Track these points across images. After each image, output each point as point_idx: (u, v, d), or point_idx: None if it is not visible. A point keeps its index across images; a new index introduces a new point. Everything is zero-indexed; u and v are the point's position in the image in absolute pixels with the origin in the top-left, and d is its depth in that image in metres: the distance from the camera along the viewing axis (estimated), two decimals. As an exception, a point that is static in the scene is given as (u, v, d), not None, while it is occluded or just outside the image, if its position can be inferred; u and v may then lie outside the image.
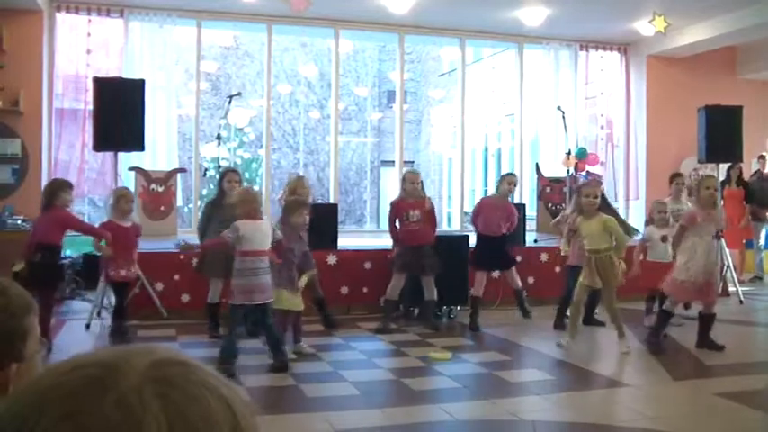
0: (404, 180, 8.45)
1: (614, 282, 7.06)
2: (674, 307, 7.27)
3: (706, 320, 7.18)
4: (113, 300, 7.69)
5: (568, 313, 7.59)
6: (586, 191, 7.19)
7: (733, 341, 7.39)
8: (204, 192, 17.31)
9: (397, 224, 8.29)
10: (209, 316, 7.66)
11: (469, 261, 8.60)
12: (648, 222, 8.42)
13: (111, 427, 0.65)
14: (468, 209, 14.06)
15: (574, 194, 8.12)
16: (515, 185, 8.69)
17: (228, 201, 7.05)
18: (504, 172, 9.81)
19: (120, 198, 7.50)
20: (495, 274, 8.65)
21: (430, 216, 8.31)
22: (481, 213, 8.54)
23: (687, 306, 8.24)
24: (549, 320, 8.34)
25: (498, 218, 8.41)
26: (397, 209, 8.30)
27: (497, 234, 8.39)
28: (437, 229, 8.55)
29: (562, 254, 8.64)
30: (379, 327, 8.01)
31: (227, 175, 7.96)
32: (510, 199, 8.69)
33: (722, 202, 11.15)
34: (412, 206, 8.20)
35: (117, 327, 7.35)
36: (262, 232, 6.22)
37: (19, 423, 0.68)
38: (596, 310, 8.26)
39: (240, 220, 6.18)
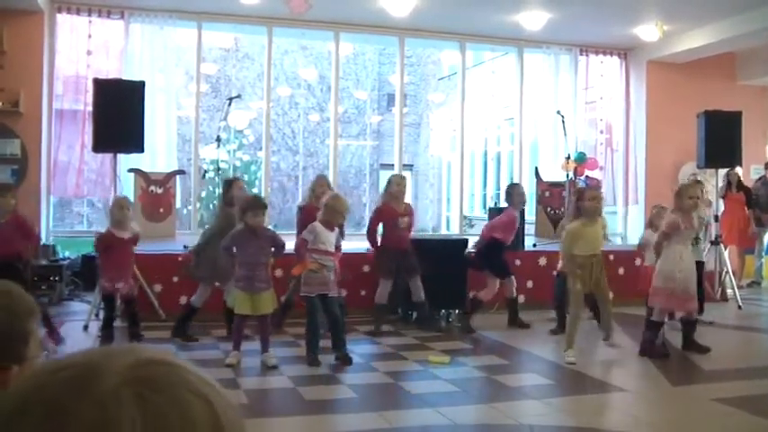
0: (389, 183, 8.46)
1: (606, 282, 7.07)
2: (663, 317, 7.24)
3: (690, 325, 7.22)
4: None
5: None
6: (591, 194, 7.10)
7: (731, 346, 7.40)
8: (203, 194, 17.32)
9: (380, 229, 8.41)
10: (182, 317, 7.62)
11: (479, 266, 8.58)
12: (647, 226, 8.42)
13: (88, 428, 0.67)
14: (467, 212, 14.06)
15: (571, 199, 8.13)
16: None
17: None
18: (503, 176, 9.86)
19: (113, 206, 7.49)
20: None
21: (412, 221, 8.49)
22: (514, 225, 8.58)
23: (672, 316, 8.24)
24: (548, 324, 8.35)
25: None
26: (385, 215, 8.36)
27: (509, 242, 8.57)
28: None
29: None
30: (373, 330, 8.05)
31: (236, 182, 7.96)
32: None
33: (723, 208, 11.19)
34: (401, 213, 8.30)
35: (108, 334, 7.28)
36: (332, 237, 6.71)
37: (4, 423, 0.70)
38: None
39: (318, 224, 6.68)
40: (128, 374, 0.70)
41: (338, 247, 6.90)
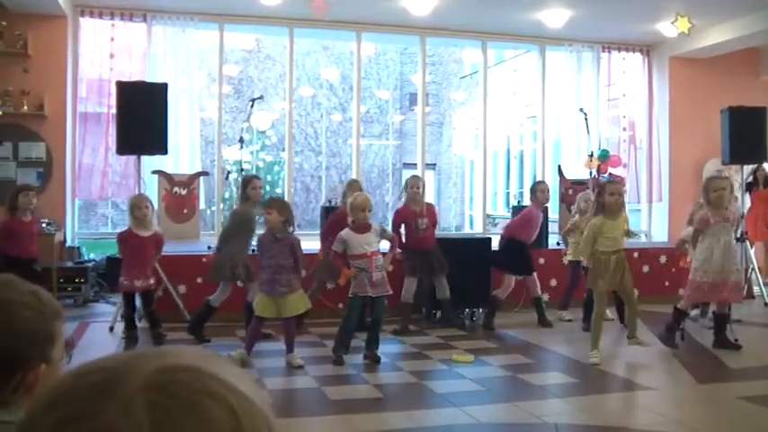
0: (406, 185, 8.54)
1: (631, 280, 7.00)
2: (688, 307, 7.25)
3: (720, 320, 7.18)
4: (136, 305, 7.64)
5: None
6: (611, 188, 6.92)
7: (758, 344, 7.33)
8: (227, 195, 17.39)
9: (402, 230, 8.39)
10: (199, 316, 7.66)
11: (498, 264, 8.61)
12: (689, 223, 8.35)
13: None
14: (491, 211, 13.99)
15: (590, 195, 8.12)
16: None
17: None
18: (526, 174, 9.85)
19: (133, 207, 7.49)
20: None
21: (434, 221, 8.50)
22: (532, 222, 8.58)
23: (704, 313, 8.21)
24: (572, 323, 8.33)
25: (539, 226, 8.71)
26: (403, 216, 8.39)
27: (532, 241, 8.60)
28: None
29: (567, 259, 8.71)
30: (399, 329, 8.06)
31: (253, 181, 7.97)
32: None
33: (749, 204, 11.09)
34: (420, 214, 8.30)
35: (132, 335, 7.33)
36: (364, 240, 6.64)
37: (28, 422, 0.72)
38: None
39: (344, 231, 6.69)
40: (148, 380, 0.70)
41: (392, 239, 7.10)
